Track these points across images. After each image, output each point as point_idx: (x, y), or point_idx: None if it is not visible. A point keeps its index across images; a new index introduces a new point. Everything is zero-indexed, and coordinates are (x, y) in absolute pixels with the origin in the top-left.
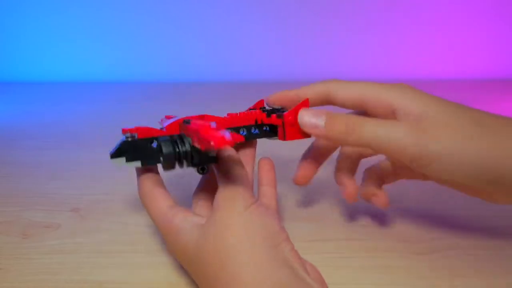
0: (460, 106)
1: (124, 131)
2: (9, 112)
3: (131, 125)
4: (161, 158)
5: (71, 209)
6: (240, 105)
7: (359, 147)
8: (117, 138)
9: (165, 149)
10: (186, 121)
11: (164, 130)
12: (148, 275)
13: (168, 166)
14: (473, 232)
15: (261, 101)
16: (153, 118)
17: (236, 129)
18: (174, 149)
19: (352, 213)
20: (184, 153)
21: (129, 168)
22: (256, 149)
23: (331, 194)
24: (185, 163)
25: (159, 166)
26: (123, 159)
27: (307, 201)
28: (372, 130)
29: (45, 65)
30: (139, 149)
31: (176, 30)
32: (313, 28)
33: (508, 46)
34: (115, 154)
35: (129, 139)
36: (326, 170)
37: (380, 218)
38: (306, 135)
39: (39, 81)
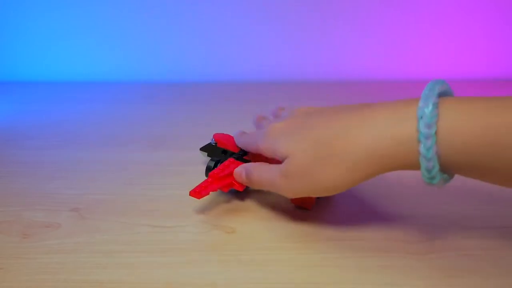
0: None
1: (214, 135)
2: (9, 112)
3: (131, 125)
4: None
5: (71, 209)
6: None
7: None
8: (118, 138)
9: (208, 162)
10: (241, 151)
11: (235, 144)
12: (148, 275)
13: (207, 175)
14: (473, 232)
15: None
16: (152, 117)
17: None
18: (214, 166)
19: (352, 213)
20: None
21: (129, 168)
22: None
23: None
24: None
25: None
26: (206, 153)
27: None
28: (257, 176)
29: (45, 65)
30: (215, 152)
31: (176, 30)
32: (313, 29)
33: (508, 46)
34: (203, 149)
35: (213, 144)
36: None
37: (380, 218)
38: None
39: (39, 81)
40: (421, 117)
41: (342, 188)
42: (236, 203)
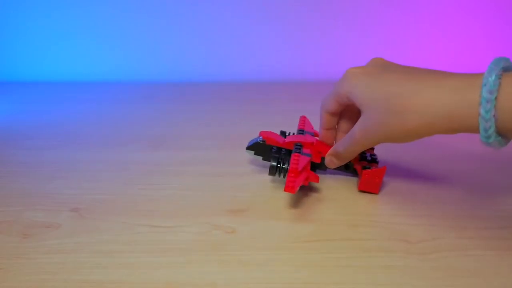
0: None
1: (260, 133)
2: (9, 112)
3: (131, 125)
4: (270, 165)
5: (71, 209)
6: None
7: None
8: (118, 138)
9: (271, 161)
10: (297, 145)
11: (285, 141)
12: (148, 275)
13: (271, 173)
14: (473, 232)
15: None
16: (152, 117)
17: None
18: (277, 164)
19: (352, 213)
20: (282, 169)
21: (129, 168)
22: None
23: (331, 194)
24: (282, 175)
25: None
26: (253, 152)
27: (307, 201)
28: (343, 149)
29: (45, 65)
30: (263, 150)
31: (176, 30)
32: (314, 29)
33: (508, 47)
34: (250, 148)
35: (260, 142)
36: (326, 170)
37: (380, 218)
38: (372, 190)
39: (39, 81)
40: (485, 85)
41: (413, 139)
42: (236, 203)
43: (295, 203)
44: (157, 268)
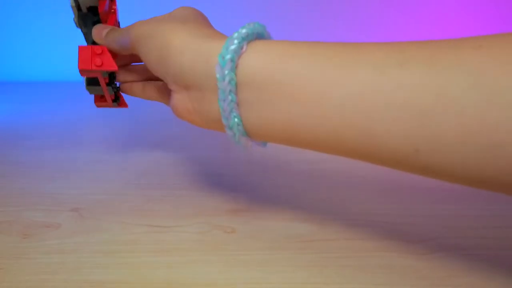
0: None
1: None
2: (9, 112)
3: (131, 125)
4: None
5: (71, 209)
6: None
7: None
8: (118, 138)
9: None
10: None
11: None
12: (148, 275)
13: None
14: (473, 232)
15: None
16: (152, 117)
17: None
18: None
19: (352, 213)
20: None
21: (129, 168)
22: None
23: (331, 194)
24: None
25: None
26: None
27: (307, 201)
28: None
29: (45, 65)
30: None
31: None
32: (313, 29)
33: None
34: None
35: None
36: (326, 170)
37: (380, 218)
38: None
39: (39, 81)
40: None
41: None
42: (236, 203)
43: (295, 203)
44: (157, 268)
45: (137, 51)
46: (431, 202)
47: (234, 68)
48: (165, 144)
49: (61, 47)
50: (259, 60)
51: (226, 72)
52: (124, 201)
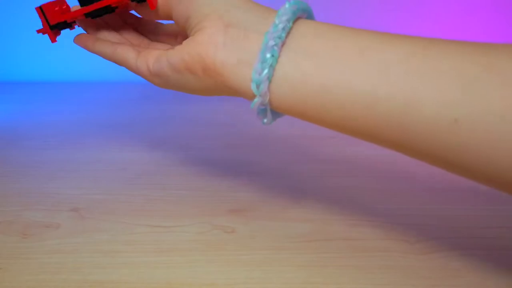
0: None
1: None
2: (9, 112)
3: (131, 125)
4: None
5: (71, 209)
6: (241, 105)
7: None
8: (118, 138)
9: None
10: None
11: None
12: (148, 275)
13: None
14: (473, 232)
15: None
16: (152, 117)
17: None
18: None
19: (352, 213)
20: None
21: (129, 168)
22: None
23: (331, 194)
24: None
25: None
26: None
27: (307, 201)
28: None
29: (45, 65)
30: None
31: None
32: None
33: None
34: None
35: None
36: (326, 171)
37: (380, 218)
38: None
39: (39, 81)
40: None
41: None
42: (236, 203)
43: (295, 203)
44: (157, 268)
45: None
46: (431, 202)
47: (293, 18)
48: (165, 144)
49: (61, 47)
50: (318, 23)
51: (285, 18)
52: (124, 201)
